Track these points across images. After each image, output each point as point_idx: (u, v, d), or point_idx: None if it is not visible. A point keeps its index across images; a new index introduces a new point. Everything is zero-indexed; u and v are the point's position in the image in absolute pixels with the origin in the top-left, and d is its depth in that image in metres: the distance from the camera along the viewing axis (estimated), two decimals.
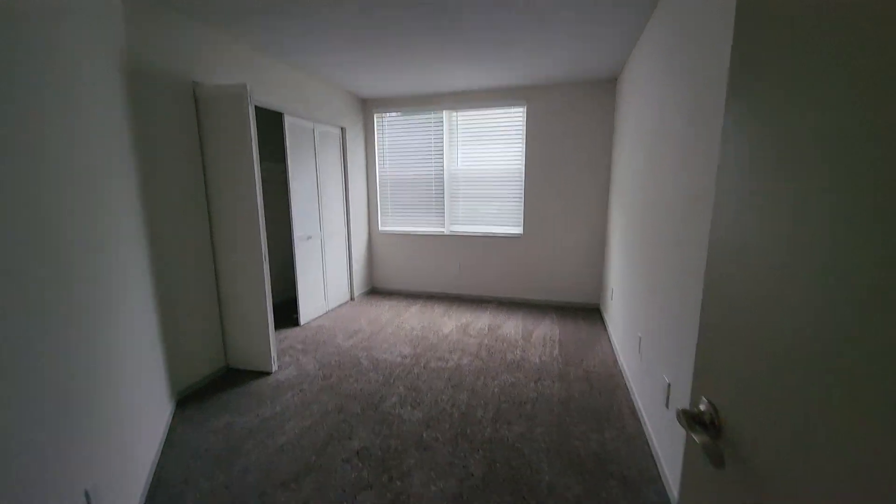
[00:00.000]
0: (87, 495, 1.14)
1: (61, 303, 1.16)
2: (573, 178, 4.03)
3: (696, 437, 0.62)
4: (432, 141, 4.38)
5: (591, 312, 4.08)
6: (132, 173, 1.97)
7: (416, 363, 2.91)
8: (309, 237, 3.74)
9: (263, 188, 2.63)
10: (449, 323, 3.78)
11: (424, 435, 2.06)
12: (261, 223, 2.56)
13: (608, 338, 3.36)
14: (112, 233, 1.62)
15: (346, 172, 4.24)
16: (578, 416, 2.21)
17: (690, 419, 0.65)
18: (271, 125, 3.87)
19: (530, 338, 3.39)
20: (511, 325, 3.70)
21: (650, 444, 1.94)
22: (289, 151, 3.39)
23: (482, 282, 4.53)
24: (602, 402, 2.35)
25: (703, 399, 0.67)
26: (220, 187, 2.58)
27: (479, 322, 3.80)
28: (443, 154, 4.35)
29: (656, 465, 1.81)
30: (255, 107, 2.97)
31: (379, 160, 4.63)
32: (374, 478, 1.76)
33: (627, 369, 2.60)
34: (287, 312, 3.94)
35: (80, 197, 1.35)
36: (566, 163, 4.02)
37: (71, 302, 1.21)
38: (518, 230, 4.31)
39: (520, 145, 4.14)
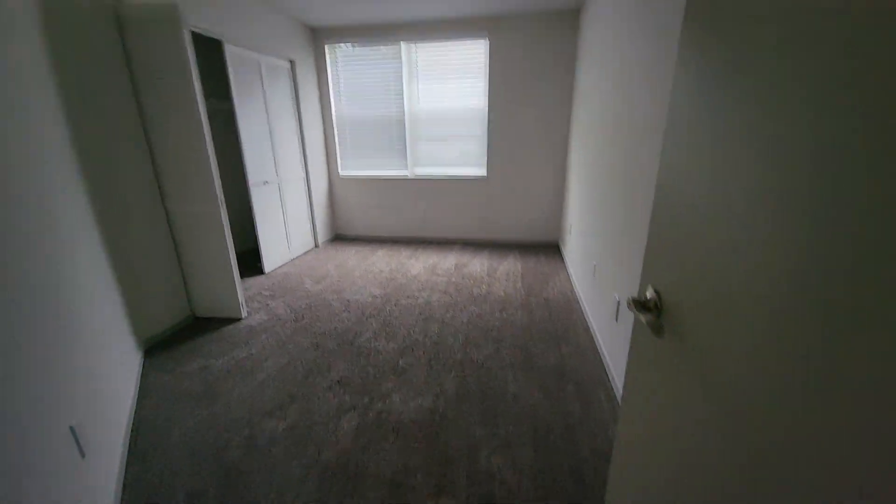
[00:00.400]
0: (72, 430, 1.16)
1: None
2: (536, 117, 4.04)
3: (642, 317, 0.74)
4: (391, 78, 4.16)
5: (551, 249, 4.31)
6: (58, 113, 1.75)
7: (386, 302, 3.00)
8: (265, 182, 3.57)
9: (211, 130, 2.43)
10: (416, 265, 3.87)
11: (400, 362, 2.20)
12: (213, 167, 2.40)
13: (566, 270, 3.62)
14: (45, 183, 1.48)
15: (300, 112, 3.98)
16: (539, 337, 2.44)
17: (639, 304, 0.77)
18: (212, 57, 3.48)
19: (495, 274, 3.57)
20: (477, 264, 3.86)
21: (601, 355, 2.20)
22: (234, 87, 3.11)
23: (448, 224, 4.60)
24: (560, 325, 2.60)
25: (650, 287, 0.79)
26: (161, 127, 2.36)
27: (446, 262, 3.92)
28: (403, 92, 4.16)
29: (605, 371, 2.08)
30: (192, 33, 2.65)
31: (334, 99, 4.36)
32: (355, 401, 1.89)
33: (582, 295, 2.85)
34: (250, 262, 3.85)
35: None
36: (529, 101, 4.00)
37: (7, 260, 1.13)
38: (482, 172, 4.34)
39: (482, 82, 4.04)
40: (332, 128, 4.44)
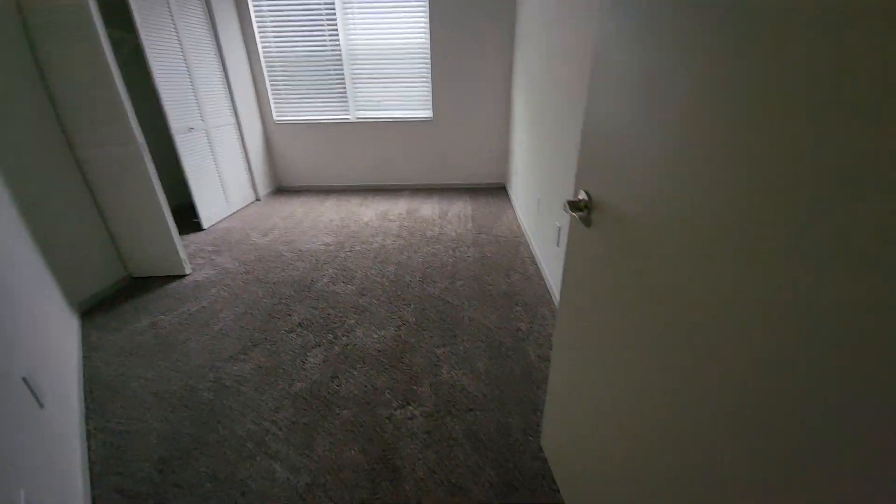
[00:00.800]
0: (25, 381, 1.12)
1: None
2: (479, 55, 3.96)
3: (576, 214, 0.86)
4: (322, 8, 3.81)
5: (499, 191, 4.45)
6: None
7: (340, 249, 3.00)
8: (190, 129, 3.26)
9: (118, 66, 2.11)
10: (367, 212, 3.84)
11: (360, 301, 2.28)
12: (124, 100, 2.15)
13: (513, 209, 3.79)
14: None
15: (221, 48, 3.57)
16: (490, 269, 2.61)
17: (573, 205, 0.88)
18: None
19: (446, 216, 3.66)
20: (428, 208, 3.91)
21: (544, 279, 2.43)
22: (136, 13, 2.70)
23: (397, 170, 4.54)
24: (508, 257, 2.78)
25: (582, 191, 0.90)
26: (57, 62, 2.04)
27: (398, 208, 3.93)
28: (336, 25, 3.85)
29: (548, 291, 2.31)
30: None
31: (260, 34, 3.93)
32: (319, 339, 1.96)
33: (528, 228, 3.04)
34: (185, 218, 3.59)
35: None
36: (472, 37, 3.88)
37: None
38: (428, 113, 4.25)
39: (423, 15, 3.83)
40: (262, 67, 4.05)
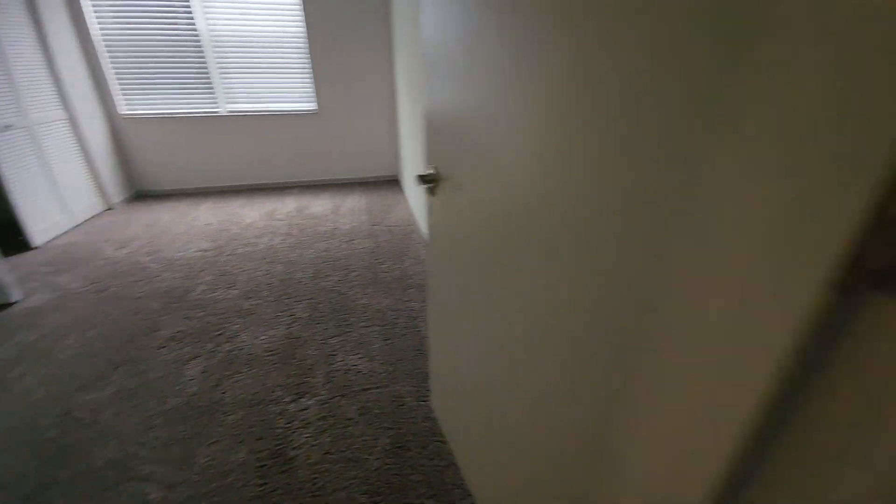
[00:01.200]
0: None
1: None
2: (360, 44, 3.92)
3: (425, 186, 0.96)
4: None
5: (393, 183, 4.50)
6: None
7: (220, 253, 2.76)
8: (5, 126, 2.65)
9: None
10: (251, 213, 3.57)
11: (246, 304, 2.14)
12: None
13: (406, 199, 3.88)
14: None
15: (43, 29, 2.95)
16: (385, 257, 2.66)
17: (422, 178, 0.98)
18: None
19: (339, 211, 3.60)
20: (319, 204, 3.79)
21: None
22: None
23: (283, 166, 4.28)
24: (402, 244, 2.87)
25: (431, 167, 1.00)
26: None
27: (286, 207, 3.73)
28: (190, 7, 3.45)
29: None
30: None
31: (97, 14, 3.34)
32: (197, 349, 1.80)
33: (419, 217, 3.16)
34: (9, 236, 2.92)
35: None
36: (352, 26, 3.83)
37: None
38: (312, 105, 4.09)
39: (296, 1, 3.65)
40: (100, 52, 3.45)
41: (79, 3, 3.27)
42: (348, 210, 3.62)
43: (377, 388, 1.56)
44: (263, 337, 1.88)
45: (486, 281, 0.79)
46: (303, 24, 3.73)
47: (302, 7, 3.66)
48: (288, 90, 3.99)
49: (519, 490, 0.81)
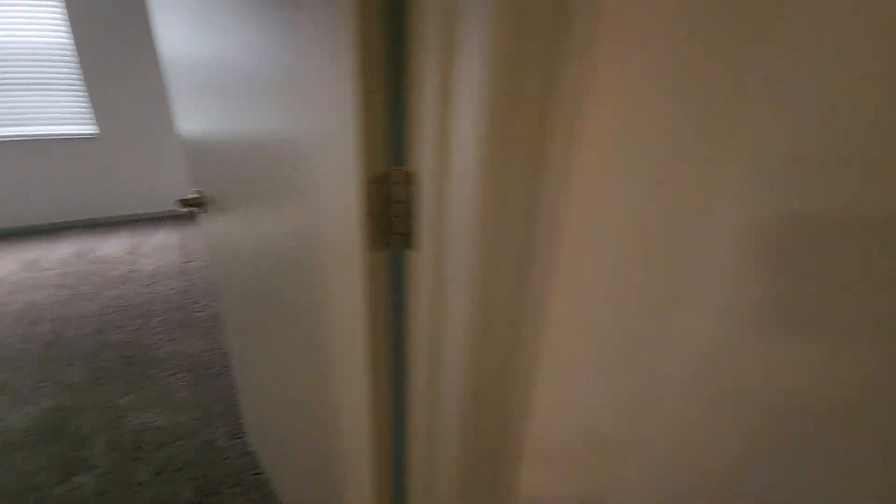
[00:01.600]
0: None
1: None
2: (147, 58, 3.45)
3: (188, 210, 0.95)
4: None
5: None
6: None
7: None
8: None
9: None
10: (2, 265, 2.73)
11: None
12: None
13: None
14: None
15: None
16: (199, 296, 2.38)
17: (185, 202, 0.97)
18: None
19: (141, 250, 3.06)
20: (112, 245, 3.15)
21: None
22: None
23: (53, 203, 3.41)
24: None
25: (195, 191, 1.00)
26: None
27: (57, 252, 2.98)
28: None
29: None
30: None
31: None
32: None
33: None
34: None
35: None
36: (133, 37, 3.34)
37: None
38: (91, 129, 3.39)
39: (58, 10, 3.02)
40: None
41: None
42: (153, 248, 3.11)
43: (180, 440, 1.39)
44: (17, 416, 1.47)
45: (253, 303, 0.83)
46: (68, 34, 3.11)
47: (66, 16, 3.06)
48: (55, 111, 3.24)
49: (307, 482, 0.87)
